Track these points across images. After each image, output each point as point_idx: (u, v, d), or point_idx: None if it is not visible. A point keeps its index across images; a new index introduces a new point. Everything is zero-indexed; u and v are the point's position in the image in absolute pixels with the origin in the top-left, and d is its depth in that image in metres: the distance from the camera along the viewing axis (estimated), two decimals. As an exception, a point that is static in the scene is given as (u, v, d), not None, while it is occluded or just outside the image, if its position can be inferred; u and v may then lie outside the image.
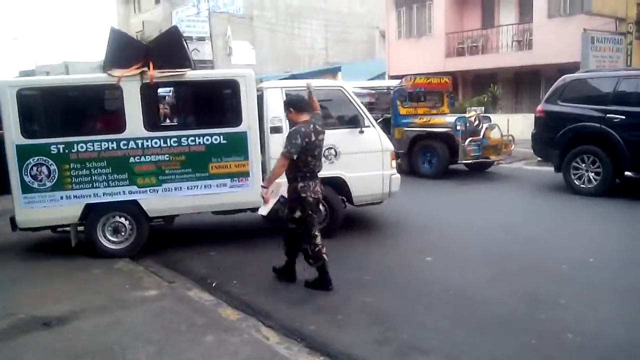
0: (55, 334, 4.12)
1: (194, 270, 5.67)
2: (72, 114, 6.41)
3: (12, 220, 6.01)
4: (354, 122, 6.38)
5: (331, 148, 6.35)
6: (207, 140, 6.02)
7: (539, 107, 9.80)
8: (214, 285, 5.20)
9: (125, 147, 5.90)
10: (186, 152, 6.00)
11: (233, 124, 6.11)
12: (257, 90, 6.38)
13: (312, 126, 4.78)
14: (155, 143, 5.95)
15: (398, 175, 6.75)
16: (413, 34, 23.08)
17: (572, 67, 15.05)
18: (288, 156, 4.66)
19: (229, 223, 7.28)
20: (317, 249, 4.83)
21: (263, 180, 5.56)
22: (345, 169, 6.44)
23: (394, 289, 4.93)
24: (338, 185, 6.49)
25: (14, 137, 5.73)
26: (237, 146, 6.08)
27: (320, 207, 6.16)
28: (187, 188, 6.04)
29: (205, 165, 6.05)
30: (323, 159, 5.69)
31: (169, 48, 6.08)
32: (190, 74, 6.08)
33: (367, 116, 6.56)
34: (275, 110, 6.25)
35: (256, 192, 5.81)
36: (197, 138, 6.00)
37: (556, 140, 9.09)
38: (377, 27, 30.88)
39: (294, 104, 4.92)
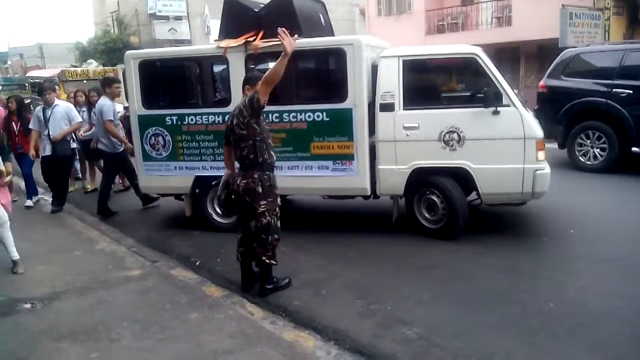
0: (36, 316, 4.09)
1: (177, 250, 5.64)
2: (184, 85, 6.49)
3: (136, 186, 6.67)
4: (487, 99, 5.09)
5: (453, 132, 5.22)
6: (309, 117, 5.48)
7: (541, 82, 9.42)
8: (197, 263, 5.19)
9: None
10: (287, 129, 5.57)
11: (337, 100, 5.42)
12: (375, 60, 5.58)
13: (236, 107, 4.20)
14: None
15: (547, 170, 5.24)
16: (393, 12, 22.94)
17: (551, 43, 15.17)
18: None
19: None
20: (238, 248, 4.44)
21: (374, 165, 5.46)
22: (471, 159, 5.24)
23: (377, 263, 4.96)
24: (463, 179, 5.38)
25: (137, 107, 6.09)
26: (341, 125, 5.41)
27: (439, 203, 5.42)
28: (288, 168, 5.61)
29: (307, 145, 5.55)
30: (442, 144, 5.22)
31: (279, 15, 5.57)
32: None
33: (507, 93, 5.16)
34: (389, 83, 5.36)
35: (361, 178, 5.48)
36: (298, 114, 5.51)
37: (560, 116, 8.81)
38: (357, 5, 30.61)
39: (249, 81, 4.27)
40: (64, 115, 7.29)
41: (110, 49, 28.86)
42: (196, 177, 6.03)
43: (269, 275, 4.36)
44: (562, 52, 9.39)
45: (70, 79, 13.86)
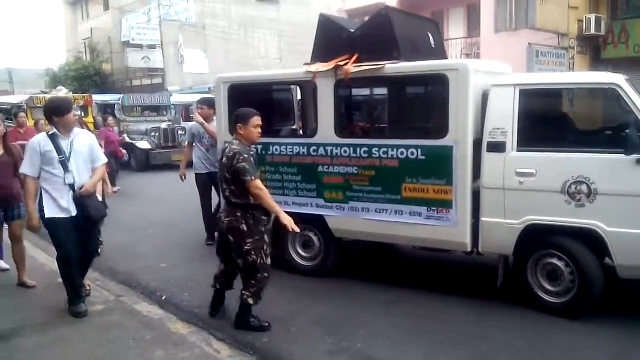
0: (-8, 354, 3.91)
1: (144, 284, 5.48)
2: (271, 112, 5.97)
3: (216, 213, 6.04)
4: (629, 143, 3.96)
5: (582, 182, 4.14)
6: (402, 153, 4.76)
7: None
8: (164, 298, 5.05)
9: (315, 153, 5.17)
10: (376, 166, 4.91)
11: (436, 135, 4.68)
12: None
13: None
14: (345, 152, 5.06)
15: None
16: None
17: (518, 80, 15.61)
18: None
19: (179, 236, 7.10)
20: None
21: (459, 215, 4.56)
22: (604, 219, 4.11)
23: (349, 298, 4.92)
24: (595, 243, 4.24)
25: (224, 134, 5.65)
26: (439, 165, 4.59)
27: (564, 269, 4.34)
28: (376, 211, 4.96)
29: (398, 186, 4.82)
30: (567, 197, 4.17)
31: (375, 36, 5.04)
32: (389, 68, 4.84)
33: None
34: (500, 118, 4.43)
35: (461, 230, 4.60)
36: (390, 150, 4.83)
37: None
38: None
39: (242, 119, 4.23)
40: (90, 151, 4.55)
41: (81, 76, 28.63)
42: None
43: (248, 311, 4.24)
44: None
45: (39, 105, 13.61)
